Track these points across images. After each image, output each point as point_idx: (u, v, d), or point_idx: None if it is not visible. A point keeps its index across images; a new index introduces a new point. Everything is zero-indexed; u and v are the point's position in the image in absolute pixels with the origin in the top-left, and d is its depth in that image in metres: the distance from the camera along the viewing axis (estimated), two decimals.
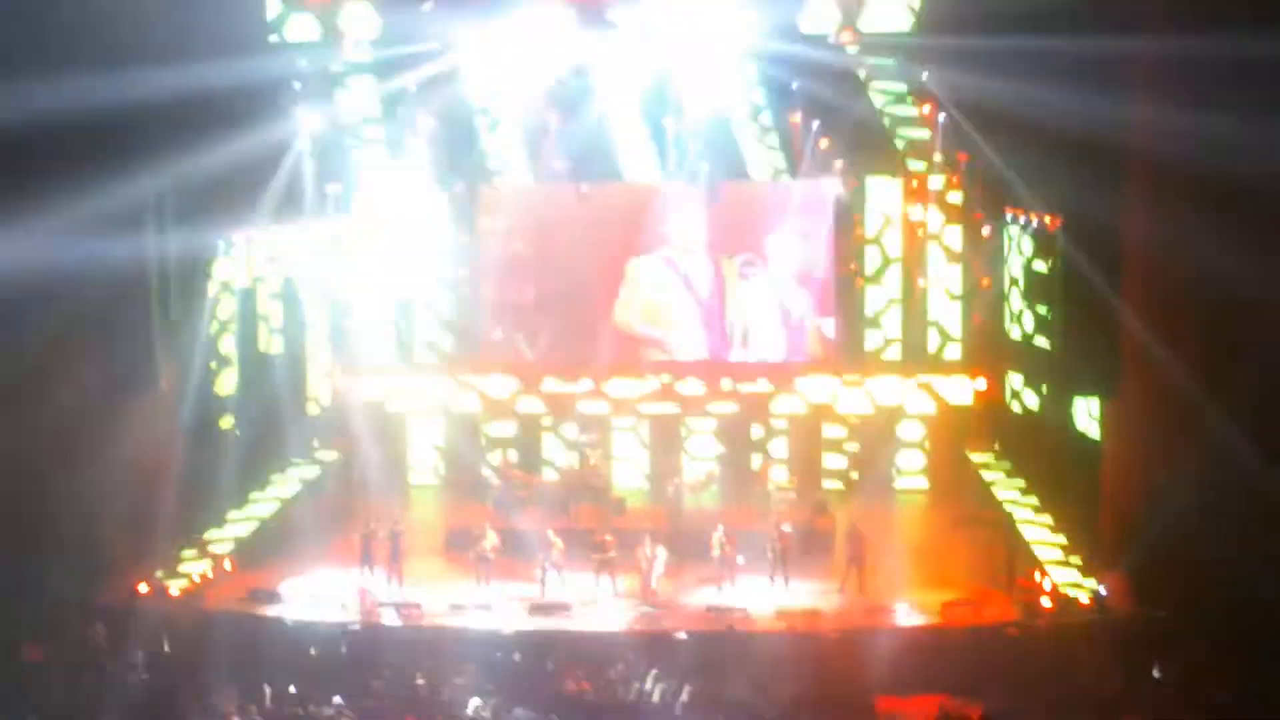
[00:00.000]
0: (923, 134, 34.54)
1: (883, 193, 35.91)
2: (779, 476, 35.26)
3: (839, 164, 35.39)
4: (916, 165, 35.07)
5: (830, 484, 36.27)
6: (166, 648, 26.36)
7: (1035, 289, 33.30)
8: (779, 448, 36.79)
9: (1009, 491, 33.30)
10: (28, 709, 22.37)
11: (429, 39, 32.80)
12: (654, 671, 24.56)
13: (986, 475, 34.52)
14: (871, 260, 36.35)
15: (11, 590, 25.42)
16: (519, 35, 33.02)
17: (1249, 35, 23.64)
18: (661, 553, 28.90)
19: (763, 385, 36.41)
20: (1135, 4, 26.62)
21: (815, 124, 34.34)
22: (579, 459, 35.78)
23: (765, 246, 36.19)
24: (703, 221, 36.10)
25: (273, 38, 32.85)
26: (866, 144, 34.67)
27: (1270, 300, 24.32)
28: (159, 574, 28.90)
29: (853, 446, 36.86)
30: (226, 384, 33.55)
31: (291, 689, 23.44)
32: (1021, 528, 30.97)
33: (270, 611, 28.32)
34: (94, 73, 26.89)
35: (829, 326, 36.45)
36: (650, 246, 36.50)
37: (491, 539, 29.68)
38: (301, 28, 32.52)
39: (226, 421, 33.43)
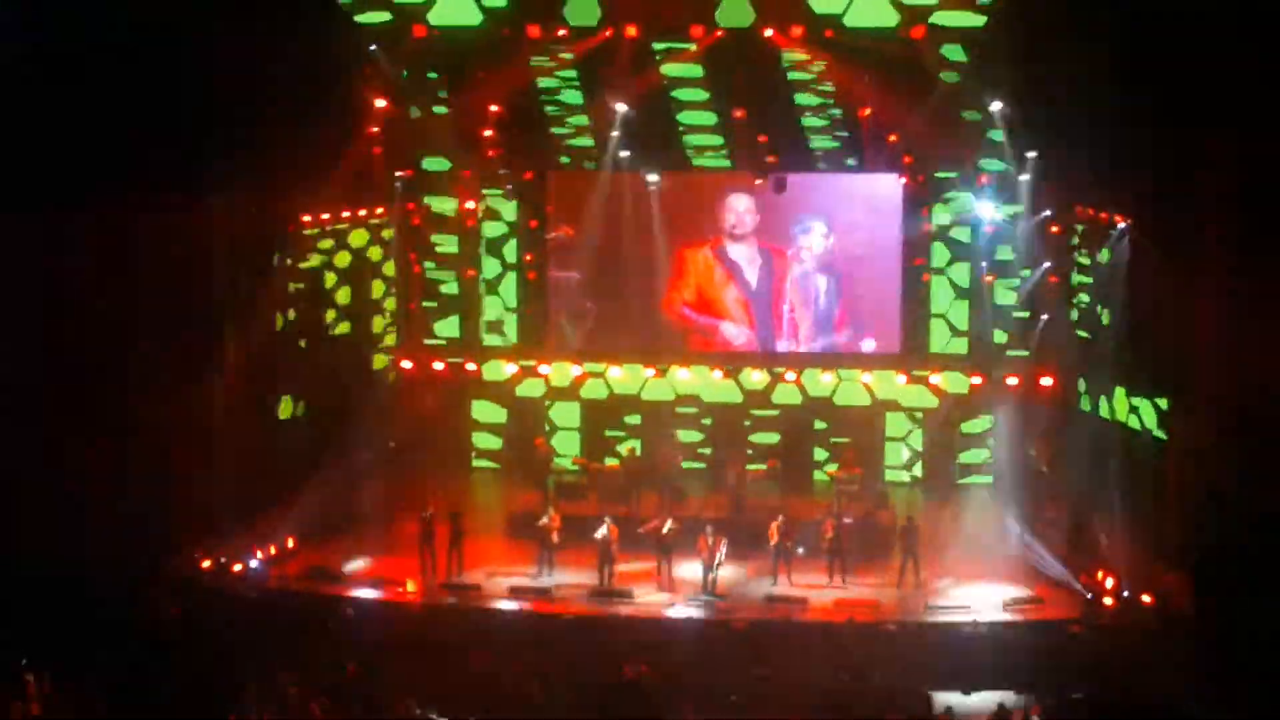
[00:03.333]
0: (992, 130, 34.31)
1: (951, 188, 35.82)
2: (841, 469, 35.13)
3: (908, 158, 35.25)
4: (985, 161, 34.87)
5: (893, 477, 36.20)
6: (229, 623, 26.57)
7: (1103, 287, 33.12)
8: (842, 440, 36.71)
9: (1074, 489, 33.12)
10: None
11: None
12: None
13: (1049, 473, 34.32)
14: (938, 255, 36.30)
15: (79, 564, 25.79)
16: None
17: None
18: (723, 542, 28.92)
19: (827, 378, 36.38)
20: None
21: (882, 118, 34.15)
22: (642, 447, 35.78)
23: (829, 238, 36.17)
24: (762, 211, 36.13)
25: (347, 20, 32.94)
26: (935, 139, 34.47)
27: None
28: (222, 550, 29.17)
29: (916, 440, 36.81)
30: (292, 364, 33.76)
31: (352, 668, 23.59)
32: (1086, 526, 30.84)
33: (332, 590, 28.55)
34: (168, 48, 27.30)
35: (894, 319, 36.36)
36: (707, 235, 36.62)
37: (554, 520, 29.76)
38: (372, 12, 32.57)
39: (291, 401, 33.65)
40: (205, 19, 27.58)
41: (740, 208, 36.40)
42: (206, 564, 28.94)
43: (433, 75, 34.77)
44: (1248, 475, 26.14)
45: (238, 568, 28.99)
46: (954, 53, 32.61)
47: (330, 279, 35.57)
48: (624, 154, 35.28)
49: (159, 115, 27.79)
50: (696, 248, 36.67)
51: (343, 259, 36.00)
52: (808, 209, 36.25)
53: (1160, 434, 30.73)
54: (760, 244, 36.54)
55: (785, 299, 36.57)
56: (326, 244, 35.17)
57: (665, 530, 29.34)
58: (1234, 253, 26.35)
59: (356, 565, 29.77)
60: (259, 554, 29.51)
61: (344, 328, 36.22)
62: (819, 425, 37.01)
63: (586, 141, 36.54)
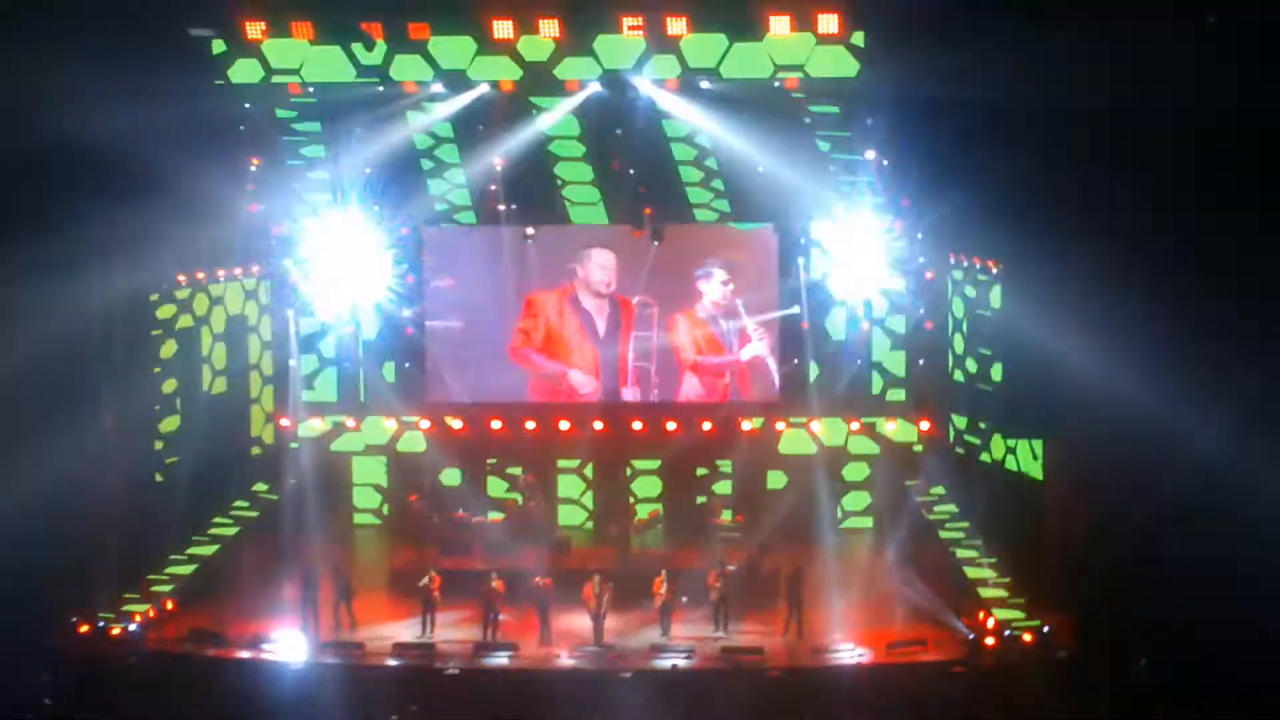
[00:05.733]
0: (867, 178, 34.72)
1: (827, 236, 36.11)
2: (723, 517, 35.21)
3: (782, 206, 35.54)
4: (860, 209, 35.24)
5: (774, 523, 36.32)
6: (107, 688, 26.15)
7: (978, 332, 33.57)
8: (723, 488, 36.82)
9: (953, 532, 33.46)
10: None
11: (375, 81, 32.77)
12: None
13: (931, 516, 34.63)
14: (815, 302, 36.58)
15: None
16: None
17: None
18: (609, 591, 28.89)
19: (707, 426, 36.51)
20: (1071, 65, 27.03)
21: (759, 168, 34.42)
22: (522, 499, 35.71)
23: (702, 288, 36.46)
24: (641, 264, 36.24)
25: (217, 80, 32.76)
26: (811, 188, 34.78)
27: (1216, 339, 24.81)
28: (100, 614, 28.69)
29: (798, 487, 36.99)
30: (169, 426, 33.37)
31: None
32: (966, 568, 31.15)
33: (212, 652, 28.16)
34: (37, 115, 26.98)
35: (772, 367, 36.59)
36: (569, 283, 36.81)
37: (435, 579, 29.61)
38: (246, 70, 32.47)
39: (169, 462, 33.25)
40: (77, 76, 27.38)
41: (606, 264, 36.59)
42: (84, 629, 28.42)
43: (314, 128, 34.70)
44: (1123, 514, 26.55)
45: (116, 632, 28.49)
46: (828, 108, 33.16)
47: (206, 339, 35.16)
48: (501, 207, 35.41)
49: (25, 173, 27.51)
50: (547, 292, 36.77)
51: (218, 318, 35.65)
52: (689, 260, 36.46)
53: (1037, 475, 31.10)
54: (611, 294, 36.74)
55: (630, 348, 36.78)
56: (202, 303, 34.79)
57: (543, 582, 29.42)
58: (1103, 292, 26.80)
59: (236, 625, 29.34)
60: (137, 617, 29.02)
61: (220, 387, 35.82)
62: (701, 473, 37.02)
63: (463, 197, 36.50)
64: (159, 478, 32.89)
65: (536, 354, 36.93)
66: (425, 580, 29.64)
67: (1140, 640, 25.56)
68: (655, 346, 36.67)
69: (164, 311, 33.00)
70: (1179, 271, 25.89)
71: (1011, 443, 32.15)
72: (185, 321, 34.02)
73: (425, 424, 36.92)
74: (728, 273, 36.40)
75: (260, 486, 36.47)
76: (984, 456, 33.63)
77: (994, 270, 32.19)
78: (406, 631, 29.35)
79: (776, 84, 32.23)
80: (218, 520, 34.73)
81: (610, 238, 36.45)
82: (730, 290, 36.41)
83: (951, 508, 34.82)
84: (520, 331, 36.89)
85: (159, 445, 33.02)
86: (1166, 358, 25.76)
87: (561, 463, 37.28)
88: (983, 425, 33.69)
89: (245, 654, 28.08)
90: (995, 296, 32.36)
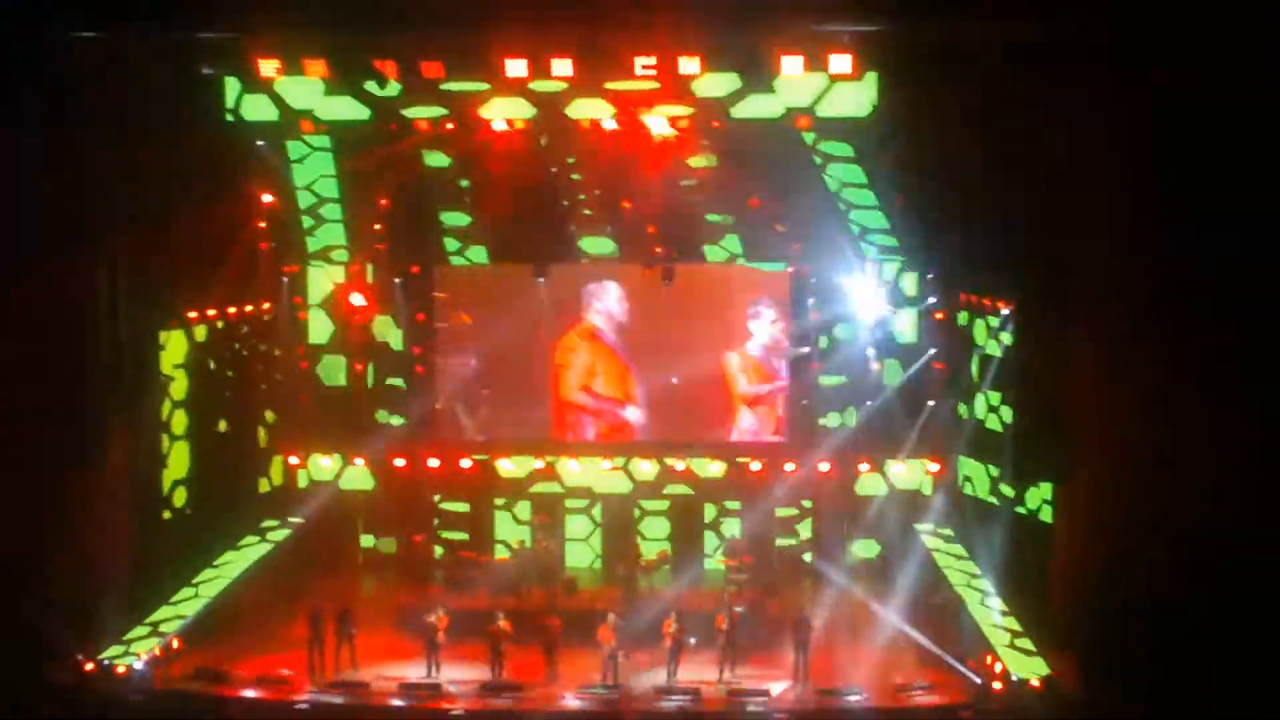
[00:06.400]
0: (878, 219, 34.77)
1: (837, 275, 36.16)
2: (731, 558, 35.14)
3: (795, 247, 35.57)
4: (871, 249, 35.29)
5: (783, 565, 36.18)
6: None
7: (989, 373, 33.52)
8: (731, 529, 36.73)
9: (961, 574, 33.32)
10: None
11: (388, 119, 32.83)
12: None
13: (939, 558, 34.51)
14: (827, 342, 36.55)
15: None
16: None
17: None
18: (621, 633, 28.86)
19: (716, 467, 36.48)
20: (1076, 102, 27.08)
21: (771, 208, 34.46)
22: (530, 539, 35.65)
23: (752, 327, 36.46)
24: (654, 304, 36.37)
25: (229, 117, 32.84)
26: (823, 228, 34.82)
27: (1220, 386, 24.73)
28: (107, 652, 28.64)
29: (806, 528, 36.89)
30: (178, 462, 33.38)
31: None
32: (974, 610, 31.01)
33: (217, 690, 28.11)
34: (49, 146, 27.08)
35: (781, 407, 36.59)
36: (585, 320, 36.80)
37: (441, 619, 29.53)
38: (258, 108, 32.52)
39: (177, 500, 33.23)
40: (95, 113, 27.55)
41: (623, 295, 36.63)
42: (89, 667, 28.36)
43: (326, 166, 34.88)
44: (1132, 558, 26.43)
45: (121, 669, 28.43)
46: (839, 147, 33.24)
47: (216, 375, 35.18)
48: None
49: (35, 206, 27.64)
50: (573, 331, 36.87)
51: (229, 355, 35.66)
52: (702, 300, 36.49)
53: (1047, 518, 30.98)
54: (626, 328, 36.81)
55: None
56: (213, 340, 34.79)
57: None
58: (1113, 335, 26.77)
59: (243, 663, 29.28)
60: (143, 654, 28.97)
61: (230, 424, 35.81)
62: (710, 514, 36.95)
63: (475, 234, 36.60)
64: (167, 514, 32.82)
65: (586, 394, 36.92)
66: (432, 619, 29.55)
67: (1149, 686, 25.37)
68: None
69: (174, 347, 32.95)
70: (1191, 312, 25.76)
71: (1021, 485, 32.02)
72: (196, 358, 33.98)
73: (434, 462, 36.84)
74: (747, 316, 36.40)
75: (269, 523, 36.37)
76: (993, 498, 33.51)
77: (1004, 310, 32.12)
78: (412, 671, 29.23)
79: (788, 124, 32.23)
80: (225, 557, 34.67)
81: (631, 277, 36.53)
82: (780, 328, 36.38)
83: (960, 549, 34.69)
84: (561, 369, 36.87)
85: (168, 482, 32.94)
86: (1179, 399, 25.67)
87: (570, 503, 37.18)
88: (992, 467, 33.59)
89: (251, 692, 28.03)
90: (1005, 336, 32.29)
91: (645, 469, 36.73)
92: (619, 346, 36.71)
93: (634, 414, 36.84)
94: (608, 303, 36.60)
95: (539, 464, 36.81)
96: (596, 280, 36.64)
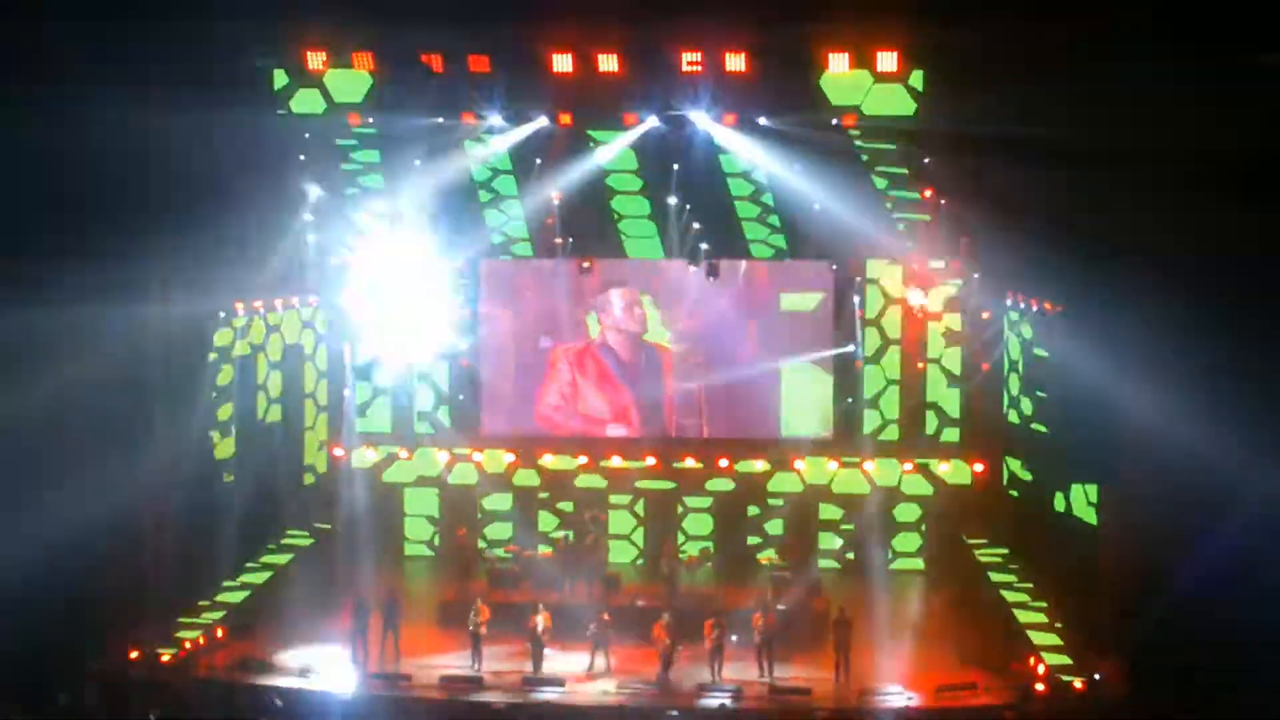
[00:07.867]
0: (924, 217, 34.71)
1: (883, 274, 36.14)
2: (774, 556, 35.11)
3: (838, 244, 35.52)
4: (917, 248, 35.21)
5: (826, 564, 36.13)
6: (155, 715, 26.19)
7: (1034, 374, 33.40)
8: (775, 527, 36.70)
9: (1005, 575, 33.22)
10: None
11: (435, 112, 32.89)
12: None
13: (982, 558, 34.41)
14: (871, 341, 36.50)
15: (6, 657, 25.37)
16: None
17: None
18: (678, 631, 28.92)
19: (760, 464, 36.45)
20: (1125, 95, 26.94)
21: (816, 205, 34.42)
22: (574, 534, 35.67)
23: (759, 325, 36.42)
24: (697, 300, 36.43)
25: (279, 110, 32.94)
26: (867, 227, 34.75)
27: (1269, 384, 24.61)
28: (151, 640, 28.79)
29: (849, 527, 36.84)
30: (224, 452, 33.54)
31: None
32: (1017, 612, 30.90)
33: (261, 681, 28.23)
34: (101, 139, 27.18)
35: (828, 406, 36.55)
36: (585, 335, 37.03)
37: (482, 612, 29.60)
38: (307, 100, 32.61)
39: (225, 487, 33.38)
40: (140, 106, 27.63)
41: (632, 302, 36.73)
42: (135, 655, 28.50)
43: (372, 158, 34.95)
44: (1178, 560, 26.28)
45: (166, 658, 28.57)
46: (883, 143, 33.21)
47: (262, 366, 35.33)
48: (558, 240, 35.57)
49: (89, 202, 27.76)
50: (565, 347, 37.13)
51: (275, 346, 35.83)
52: (746, 296, 36.47)
53: (1091, 519, 30.85)
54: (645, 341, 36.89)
55: (669, 391, 36.87)
56: (259, 331, 34.97)
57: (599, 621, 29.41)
58: (1163, 336, 26.62)
59: (286, 654, 29.38)
60: (188, 644, 29.10)
61: (276, 415, 35.98)
62: (752, 511, 36.92)
63: (520, 230, 36.65)
64: (213, 504, 32.97)
65: (557, 414, 37.17)
66: (474, 613, 29.61)
67: (1193, 689, 25.22)
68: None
69: (221, 338, 33.08)
70: (1240, 316, 25.63)
71: (1066, 486, 31.88)
72: (242, 349, 34.12)
73: (478, 456, 36.91)
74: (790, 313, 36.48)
75: (313, 515, 36.49)
76: (1038, 500, 33.37)
77: (1051, 311, 31.98)
78: (455, 663, 29.31)
79: (834, 121, 32.16)
80: (270, 548, 34.84)
81: (674, 272, 36.54)
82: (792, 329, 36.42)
83: (1003, 550, 34.59)
84: (546, 384, 37.15)
85: (214, 472, 33.09)
86: (1226, 403, 25.51)
87: (613, 498, 37.20)
88: (1037, 468, 33.46)
89: (294, 683, 28.11)
90: (1052, 337, 32.13)
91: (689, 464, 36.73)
92: (624, 352, 36.81)
93: (615, 430, 37.08)
94: (613, 314, 36.69)
95: (582, 459, 36.84)
96: (603, 290, 36.78)
